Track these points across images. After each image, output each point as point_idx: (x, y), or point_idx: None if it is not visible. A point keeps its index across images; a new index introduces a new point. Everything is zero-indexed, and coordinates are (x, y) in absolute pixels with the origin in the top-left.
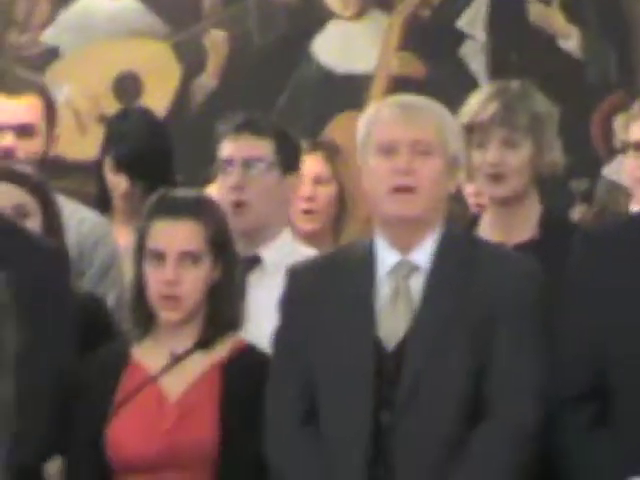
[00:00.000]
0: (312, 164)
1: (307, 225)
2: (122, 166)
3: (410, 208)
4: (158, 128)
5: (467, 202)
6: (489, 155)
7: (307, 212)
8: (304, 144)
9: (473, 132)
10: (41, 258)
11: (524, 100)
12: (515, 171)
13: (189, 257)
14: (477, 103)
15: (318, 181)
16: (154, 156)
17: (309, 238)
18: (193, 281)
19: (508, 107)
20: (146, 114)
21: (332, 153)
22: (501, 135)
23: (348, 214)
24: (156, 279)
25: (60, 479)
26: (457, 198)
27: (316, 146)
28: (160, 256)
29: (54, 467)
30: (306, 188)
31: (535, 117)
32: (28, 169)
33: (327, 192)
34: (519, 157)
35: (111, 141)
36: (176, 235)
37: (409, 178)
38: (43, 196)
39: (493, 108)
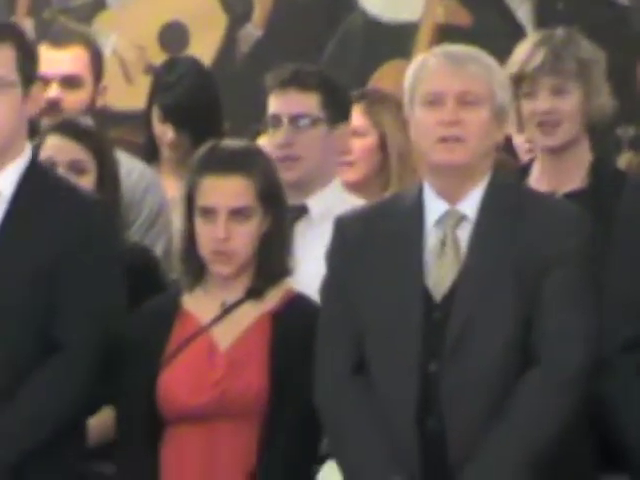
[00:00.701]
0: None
1: (345, 176)
2: (168, 115)
3: (457, 156)
4: (205, 78)
5: (517, 153)
6: (540, 104)
7: (342, 164)
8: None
9: (522, 82)
10: (88, 213)
11: (570, 47)
12: (567, 118)
13: (240, 213)
14: (524, 53)
15: (354, 133)
16: (200, 106)
17: (352, 189)
18: (244, 236)
19: (555, 54)
20: (194, 64)
21: (373, 103)
22: (550, 83)
23: (394, 164)
24: (207, 235)
25: (110, 429)
26: (507, 149)
27: (357, 97)
28: (210, 212)
29: (100, 418)
30: None
31: (582, 63)
32: (87, 122)
33: (363, 144)
34: (570, 104)
35: (158, 90)
36: (226, 192)
37: (456, 129)
38: (100, 152)
39: (540, 57)
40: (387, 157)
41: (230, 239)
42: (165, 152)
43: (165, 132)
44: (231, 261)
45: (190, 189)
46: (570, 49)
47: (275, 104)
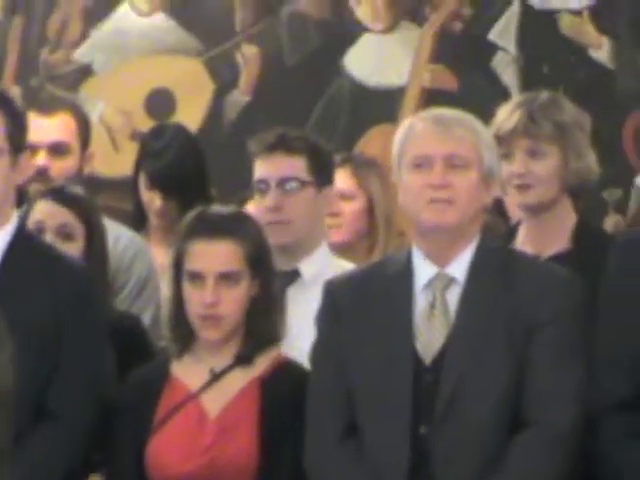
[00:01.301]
0: (338, 180)
1: (333, 238)
2: (156, 183)
3: (447, 217)
4: (193, 144)
5: (509, 214)
6: (515, 165)
7: (331, 227)
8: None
9: (499, 143)
10: (73, 280)
11: (549, 110)
12: (542, 180)
13: (228, 277)
14: (502, 114)
15: (342, 196)
16: (188, 173)
17: (339, 251)
18: (233, 301)
19: (530, 117)
20: (180, 130)
21: (360, 166)
22: (525, 145)
23: (380, 227)
24: (195, 300)
25: None
26: (499, 211)
27: (344, 161)
28: (199, 277)
29: None
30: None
31: (560, 126)
32: (78, 190)
33: (352, 206)
34: (545, 166)
35: (145, 157)
36: (214, 256)
37: (444, 192)
38: (89, 219)
39: (516, 118)
40: (374, 220)
41: (219, 304)
42: (153, 219)
43: (152, 199)
44: (220, 326)
45: (178, 254)
46: (548, 112)
47: (262, 169)
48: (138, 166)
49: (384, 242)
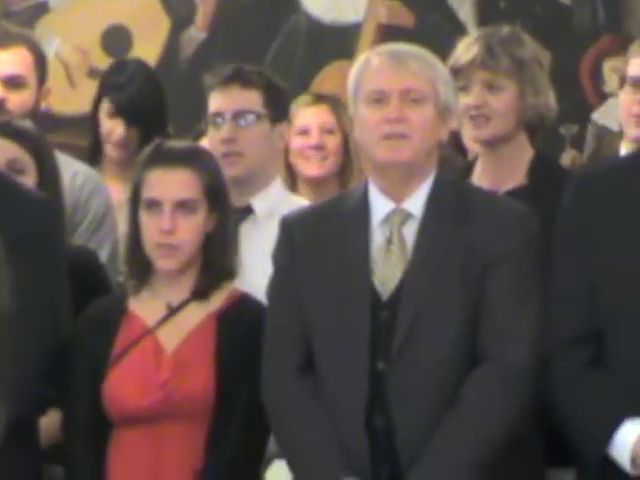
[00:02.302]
0: (319, 114)
1: (316, 171)
2: (120, 111)
3: (402, 154)
4: (154, 80)
5: (462, 147)
6: (471, 98)
7: (319, 159)
8: (307, 96)
9: (457, 76)
10: (33, 211)
11: (508, 44)
12: (498, 114)
13: (185, 205)
14: (460, 48)
15: (326, 130)
16: (151, 106)
17: (316, 185)
18: (189, 230)
19: (489, 50)
20: (142, 65)
21: (337, 104)
22: (482, 78)
23: (355, 163)
24: (152, 228)
25: (55, 433)
26: (456, 145)
27: (321, 99)
28: (156, 205)
29: (48, 421)
30: (315, 137)
31: (518, 61)
32: (26, 124)
33: (335, 141)
34: (501, 100)
35: (108, 88)
36: (172, 183)
37: (400, 126)
38: (39, 152)
39: (474, 51)
40: (349, 157)
41: (175, 231)
42: (111, 152)
43: (114, 129)
44: (175, 255)
45: (136, 184)
46: (507, 47)
47: (217, 101)
48: (98, 98)
49: (358, 178)
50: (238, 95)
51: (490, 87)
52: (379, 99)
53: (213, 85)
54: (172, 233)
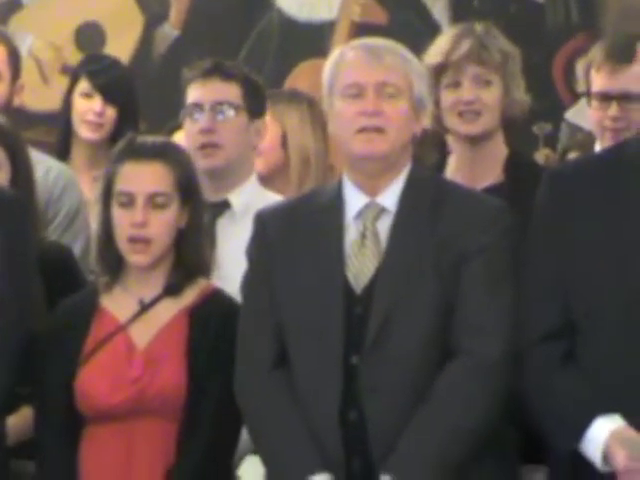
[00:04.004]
0: None
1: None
2: (98, 86)
3: (377, 147)
4: (127, 74)
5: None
6: (465, 92)
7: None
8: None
9: (445, 71)
10: (1, 208)
11: (494, 39)
12: (489, 108)
13: (157, 199)
14: (447, 43)
15: None
16: (127, 90)
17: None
18: (161, 224)
19: (481, 44)
20: (116, 60)
21: (275, 100)
22: (474, 73)
23: (293, 161)
24: (125, 221)
25: (29, 427)
26: (423, 140)
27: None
28: (129, 198)
29: (19, 417)
30: None
31: (505, 55)
32: (1, 120)
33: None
34: (492, 95)
35: (85, 72)
36: (145, 177)
37: (376, 119)
38: (13, 147)
39: (467, 45)
40: (288, 157)
41: (147, 225)
42: (86, 132)
43: (91, 107)
44: (148, 250)
45: (108, 178)
46: (494, 41)
47: (196, 93)
48: (72, 85)
49: (298, 178)
50: (218, 87)
51: (481, 82)
52: (355, 93)
53: (192, 78)
54: (145, 226)
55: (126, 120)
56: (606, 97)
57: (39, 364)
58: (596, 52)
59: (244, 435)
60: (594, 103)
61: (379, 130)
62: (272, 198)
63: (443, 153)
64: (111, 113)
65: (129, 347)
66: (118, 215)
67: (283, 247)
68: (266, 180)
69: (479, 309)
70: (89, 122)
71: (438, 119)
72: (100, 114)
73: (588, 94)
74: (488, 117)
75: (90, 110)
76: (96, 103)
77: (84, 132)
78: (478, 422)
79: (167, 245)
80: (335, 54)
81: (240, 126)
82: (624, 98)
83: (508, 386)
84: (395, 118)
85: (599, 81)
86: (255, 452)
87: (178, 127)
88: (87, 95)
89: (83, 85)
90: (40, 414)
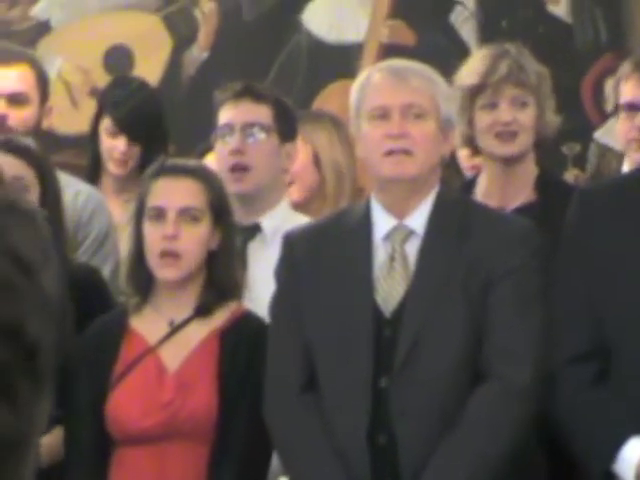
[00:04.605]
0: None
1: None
2: (121, 127)
3: (406, 169)
4: (155, 97)
5: (459, 167)
6: (502, 113)
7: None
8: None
9: (481, 92)
10: None
11: (529, 60)
12: (525, 129)
13: (189, 214)
14: (483, 64)
15: None
16: (152, 121)
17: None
18: (193, 239)
19: (519, 66)
20: (143, 82)
21: (304, 122)
22: (513, 94)
23: (329, 180)
24: (155, 235)
25: (58, 452)
26: (449, 163)
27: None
28: (160, 212)
29: (49, 438)
30: None
31: (539, 76)
32: (28, 141)
33: (298, 161)
34: (528, 116)
35: (108, 105)
36: (177, 191)
37: (403, 141)
38: (42, 169)
39: (506, 67)
40: (323, 176)
41: (178, 238)
42: (113, 168)
43: (116, 145)
44: (178, 265)
45: (142, 196)
46: (530, 62)
47: (228, 114)
48: (99, 115)
49: (334, 195)
50: (249, 108)
51: (518, 103)
52: (381, 115)
53: (224, 99)
54: (176, 239)
55: (153, 151)
56: (633, 107)
57: (69, 386)
58: (625, 66)
59: (275, 458)
60: (622, 115)
61: (407, 152)
62: (303, 221)
63: (459, 174)
64: (137, 150)
65: (160, 369)
66: (149, 230)
67: (311, 268)
68: (302, 207)
69: (509, 332)
70: (115, 160)
71: (470, 139)
72: (125, 153)
73: (617, 107)
74: (524, 138)
75: (115, 149)
76: (121, 142)
77: (111, 167)
78: (506, 449)
79: (197, 262)
80: (361, 77)
81: (271, 149)
82: None
83: (537, 410)
84: (421, 140)
85: (627, 92)
86: (286, 474)
87: (209, 149)
88: (112, 134)
89: (107, 122)
90: (70, 436)
